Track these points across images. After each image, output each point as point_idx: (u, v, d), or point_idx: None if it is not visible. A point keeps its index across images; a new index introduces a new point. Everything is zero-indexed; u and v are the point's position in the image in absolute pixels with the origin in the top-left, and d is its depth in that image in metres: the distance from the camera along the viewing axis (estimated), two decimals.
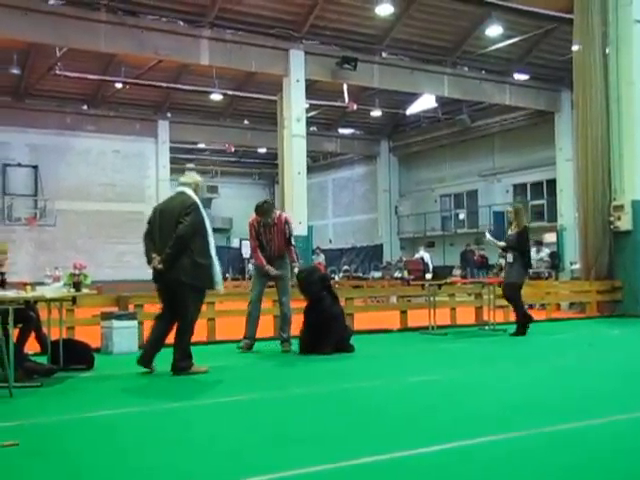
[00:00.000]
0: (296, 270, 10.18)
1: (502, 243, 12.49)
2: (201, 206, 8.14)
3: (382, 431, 5.18)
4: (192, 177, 8.51)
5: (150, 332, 8.41)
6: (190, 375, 7.89)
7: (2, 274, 8.73)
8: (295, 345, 9.89)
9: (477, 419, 5.51)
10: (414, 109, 30.97)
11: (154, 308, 13.54)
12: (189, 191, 8.22)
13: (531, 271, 21.09)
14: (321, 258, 26.68)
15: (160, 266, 7.90)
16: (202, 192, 8.57)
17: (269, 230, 9.85)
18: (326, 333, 9.57)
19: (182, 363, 7.98)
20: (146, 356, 8.14)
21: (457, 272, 22.03)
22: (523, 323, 11.95)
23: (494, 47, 24.34)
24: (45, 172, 30.03)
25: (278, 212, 10.26)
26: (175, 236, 7.83)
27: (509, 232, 12.43)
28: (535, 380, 7.49)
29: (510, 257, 12.17)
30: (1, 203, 29.29)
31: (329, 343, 9.54)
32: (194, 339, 8.42)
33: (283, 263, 10.11)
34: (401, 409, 6.00)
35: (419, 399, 6.48)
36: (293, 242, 10.20)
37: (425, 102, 29.59)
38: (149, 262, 8.09)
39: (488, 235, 13.89)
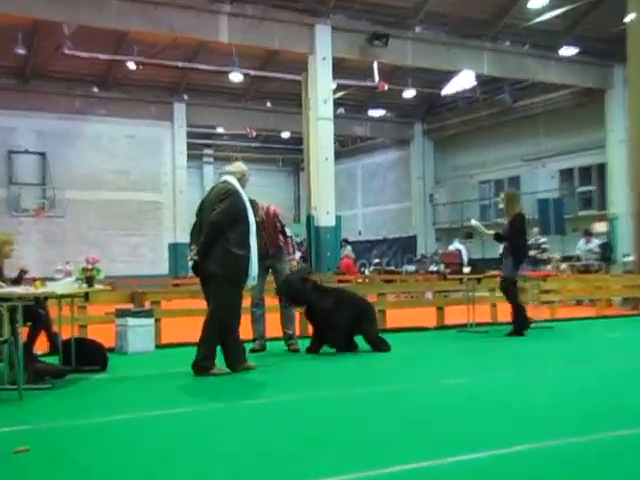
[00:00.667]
0: (294, 263, 10.37)
1: (491, 232, 12.30)
2: (243, 194, 8.26)
3: (418, 437, 5.17)
4: (238, 166, 8.70)
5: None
6: (211, 376, 7.92)
7: (24, 272, 8.88)
8: (302, 344, 9.98)
9: (521, 423, 5.49)
10: (451, 89, 30.76)
11: (171, 304, 13.69)
12: (232, 179, 8.37)
13: (579, 264, 21.05)
14: (348, 250, 26.65)
15: (196, 257, 8.07)
16: (247, 182, 8.69)
17: (259, 227, 9.78)
18: (330, 330, 9.70)
19: (204, 362, 8.01)
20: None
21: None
22: (518, 325, 11.74)
23: (538, 19, 24.06)
24: (54, 159, 30.30)
25: (265, 205, 10.20)
26: (208, 223, 8.01)
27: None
28: (583, 384, 7.44)
29: (501, 249, 12.12)
30: (7, 193, 29.56)
31: (334, 339, 9.71)
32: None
33: (280, 257, 10.14)
34: (439, 413, 5.97)
35: (458, 402, 6.45)
36: (289, 233, 10.36)
37: (463, 81, 29.36)
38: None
39: (474, 222, 13.74)
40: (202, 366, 7.99)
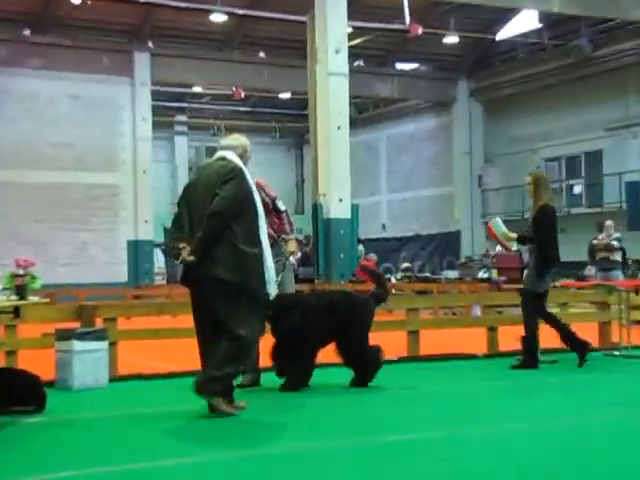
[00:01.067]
0: (292, 245, 10.31)
1: (514, 235, 12.12)
2: (247, 174, 8.21)
3: None
4: (237, 138, 8.64)
5: (202, 366, 8.26)
6: (215, 412, 7.95)
7: None
8: None
9: None
10: (507, 32, 30.79)
11: (131, 323, 13.68)
12: (232, 156, 8.30)
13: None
14: (360, 249, 26.49)
15: (191, 258, 7.88)
16: (249, 159, 8.61)
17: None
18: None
19: (213, 385, 7.88)
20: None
21: (591, 272, 21.89)
22: (528, 355, 11.57)
23: None
24: None
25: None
26: (209, 213, 7.87)
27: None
28: None
29: (526, 252, 12.04)
30: None
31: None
32: None
33: (277, 250, 10.03)
34: (481, 474, 5.95)
35: (515, 456, 6.42)
36: (281, 207, 10.21)
37: (524, 22, 29.38)
38: (176, 257, 8.07)
39: (496, 220, 13.35)
40: (209, 389, 7.88)
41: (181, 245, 7.94)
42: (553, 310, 14.05)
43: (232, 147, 8.43)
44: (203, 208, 7.94)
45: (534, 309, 11.54)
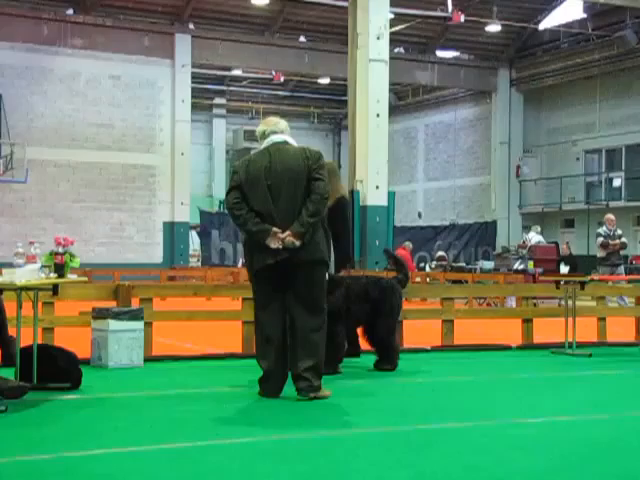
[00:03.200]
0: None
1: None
2: None
3: None
4: (282, 123, 8.61)
5: (269, 339, 8.30)
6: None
7: None
8: None
9: None
10: (551, 22, 30.60)
11: (166, 304, 13.73)
12: (292, 140, 8.43)
13: None
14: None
15: (298, 242, 7.96)
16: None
17: None
18: None
19: (316, 381, 8.11)
20: (280, 377, 8.28)
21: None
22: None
23: None
24: (11, 105, 30.49)
25: None
26: (318, 199, 8.02)
27: None
28: None
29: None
30: None
31: None
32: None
33: None
34: (512, 465, 5.94)
35: (543, 452, 6.40)
36: None
37: (568, 12, 29.21)
38: (262, 239, 8.05)
39: None
40: (314, 387, 8.10)
41: (274, 229, 7.95)
42: (589, 304, 14.00)
43: (287, 132, 8.47)
44: (294, 193, 8.04)
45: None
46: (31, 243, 8.95)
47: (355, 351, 10.56)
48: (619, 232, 20.45)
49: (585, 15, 29.50)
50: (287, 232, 7.91)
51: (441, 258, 32.18)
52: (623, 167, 34.31)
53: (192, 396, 8.50)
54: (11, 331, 8.82)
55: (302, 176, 8.06)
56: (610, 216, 21.09)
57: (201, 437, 6.69)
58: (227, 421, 7.40)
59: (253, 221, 8.06)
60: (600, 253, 20.03)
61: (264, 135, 8.44)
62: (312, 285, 8.16)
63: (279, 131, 8.42)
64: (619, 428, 7.28)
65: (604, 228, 20.72)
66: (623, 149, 34.06)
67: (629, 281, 14.48)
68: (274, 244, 7.93)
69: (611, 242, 20.10)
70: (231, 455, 6.15)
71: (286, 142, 8.34)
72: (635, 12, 29.52)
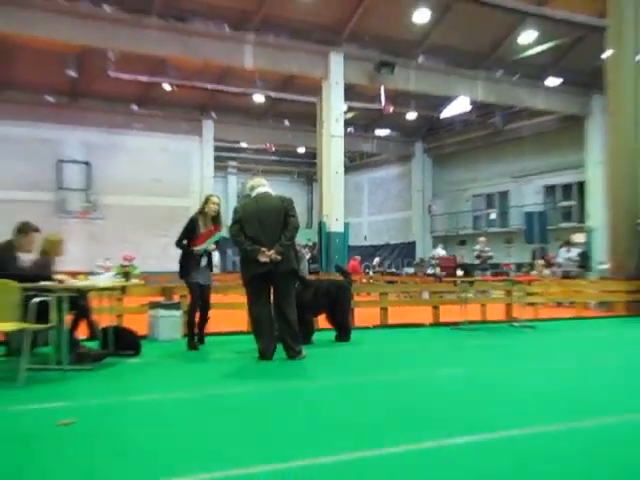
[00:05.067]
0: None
1: None
2: None
3: (410, 423, 5.20)
4: (262, 180, 8.75)
5: (261, 325, 8.28)
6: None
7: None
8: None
9: (504, 414, 5.51)
10: (448, 112, 30.75)
11: None
12: (272, 191, 8.54)
13: (560, 270, 21.01)
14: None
15: (279, 257, 8.03)
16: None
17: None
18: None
19: (298, 348, 8.25)
20: (271, 349, 8.25)
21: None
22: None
23: (527, 53, 24.12)
24: (97, 168, 30.45)
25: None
26: (292, 228, 8.17)
27: None
28: (559, 377, 7.42)
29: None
30: (55, 197, 29.71)
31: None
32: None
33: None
34: (429, 401, 5.99)
35: (448, 392, 6.46)
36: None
37: (459, 105, 29.37)
38: (254, 256, 8.04)
39: None
40: (299, 344, 8.30)
41: (262, 248, 8.03)
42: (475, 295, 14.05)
43: (267, 186, 8.61)
44: (274, 224, 8.15)
45: None
46: (107, 259, 8.95)
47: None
48: (487, 249, 20.71)
49: (470, 107, 29.66)
50: (272, 250, 8.00)
51: (380, 266, 32.23)
52: (496, 206, 34.49)
53: (214, 359, 8.51)
54: (95, 317, 8.80)
55: (280, 214, 8.21)
56: (482, 238, 21.38)
57: (217, 386, 6.72)
58: (235, 375, 7.42)
59: (248, 243, 8.12)
60: (476, 261, 20.19)
61: (252, 188, 8.60)
62: (287, 286, 8.30)
63: (262, 185, 8.57)
64: (500, 374, 7.35)
65: (479, 246, 20.96)
66: (496, 194, 34.28)
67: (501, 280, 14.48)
68: (263, 258, 8.01)
69: (482, 255, 20.36)
70: (237, 398, 6.18)
71: (267, 192, 8.47)
72: (501, 106, 29.70)
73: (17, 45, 23.44)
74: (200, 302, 9.24)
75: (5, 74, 26.39)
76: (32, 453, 4.32)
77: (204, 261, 9.37)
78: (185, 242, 9.34)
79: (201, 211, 9.43)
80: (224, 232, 9.52)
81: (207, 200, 9.53)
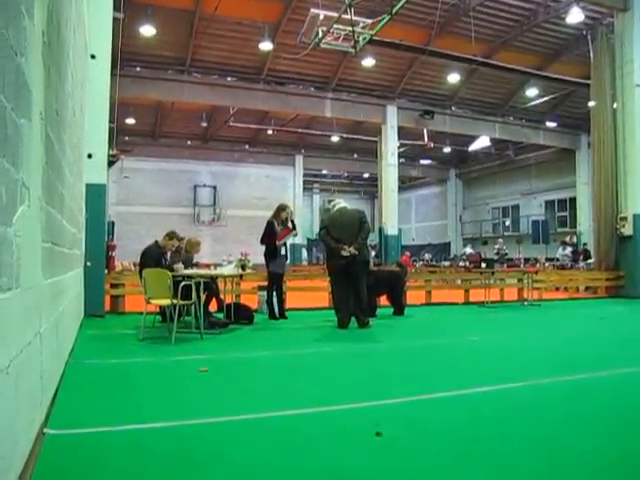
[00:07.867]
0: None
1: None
2: None
3: (449, 376, 5.15)
4: (340, 199, 8.76)
5: (341, 301, 8.23)
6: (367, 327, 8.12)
7: (194, 264, 9.03)
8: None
9: (518, 369, 5.40)
10: (474, 147, 30.15)
11: (291, 283, 13.80)
12: (348, 205, 8.54)
13: (557, 263, 20.35)
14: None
15: (355, 252, 7.96)
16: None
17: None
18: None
19: (366, 319, 8.17)
20: (347, 320, 8.19)
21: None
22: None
23: (531, 103, 23.53)
24: (221, 190, 31.01)
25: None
26: (366, 231, 8.12)
27: None
28: (563, 340, 7.23)
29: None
30: (192, 211, 30.42)
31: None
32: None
33: None
34: (463, 360, 5.91)
35: (476, 353, 6.37)
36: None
37: (482, 142, 28.80)
38: (338, 251, 7.99)
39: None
40: (366, 322, 8.15)
41: (343, 245, 7.99)
42: (496, 283, 13.75)
43: (344, 202, 8.62)
44: (352, 229, 8.07)
45: None
46: (229, 255, 9.10)
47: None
48: (504, 247, 20.26)
49: (490, 143, 29.03)
50: (351, 247, 7.95)
51: (425, 260, 31.83)
52: (510, 215, 33.67)
53: (305, 327, 8.56)
54: (222, 296, 8.95)
55: (356, 221, 8.14)
56: (500, 240, 20.97)
57: (308, 346, 6.76)
58: (321, 339, 7.46)
59: (333, 242, 8.11)
60: (495, 257, 19.75)
61: (334, 205, 8.58)
62: (361, 273, 8.17)
63: (340, 202, 8.57)
64: (512, 339, 7.21)
65: (497, 246, 20.50)
66: (510, 207, 33.47)
67: (514, 270, 14.14)
68: (345, 253, 7.97)
69: (500, 252, 19.88)
70: (322, 355, 6.21)
71: (345, 206, 8.46)
72: (513, 142, 28.81)
73: (168, 107, 24.21)
74: (275, 287, 9.22)
75: (160, 127, 27.22)
76: (183, 389, 4.45)
77: (283, 250, 9.33)
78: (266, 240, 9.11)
79: (275, 216, 9.32)
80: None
81: (282, 209, 9.37)
